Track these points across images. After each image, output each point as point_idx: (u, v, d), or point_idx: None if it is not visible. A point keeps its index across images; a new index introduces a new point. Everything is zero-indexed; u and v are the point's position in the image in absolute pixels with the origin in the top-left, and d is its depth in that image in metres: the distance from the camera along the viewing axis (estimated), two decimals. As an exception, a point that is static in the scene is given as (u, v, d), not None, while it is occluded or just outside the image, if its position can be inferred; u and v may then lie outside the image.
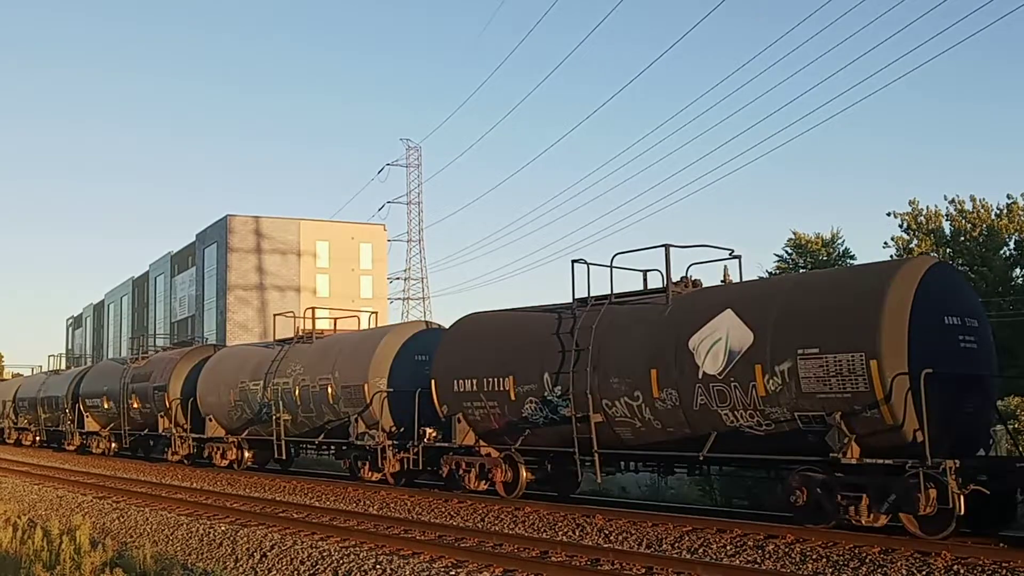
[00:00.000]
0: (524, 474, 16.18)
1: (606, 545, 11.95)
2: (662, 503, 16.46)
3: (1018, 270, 45.54)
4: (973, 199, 47.00)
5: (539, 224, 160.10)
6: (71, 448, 34.42)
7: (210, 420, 24.70)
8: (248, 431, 23.63)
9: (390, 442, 18.56)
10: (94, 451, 32.32)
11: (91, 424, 32.17)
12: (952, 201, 47.59)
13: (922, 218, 47.98)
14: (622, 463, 15.37)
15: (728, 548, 11.43)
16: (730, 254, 14.53)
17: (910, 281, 11.64)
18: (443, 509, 15.90)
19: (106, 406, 30.73)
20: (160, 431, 27.13)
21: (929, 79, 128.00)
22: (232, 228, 69.62)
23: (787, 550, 11.11)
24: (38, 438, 39.36)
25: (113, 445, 31.33)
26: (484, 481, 16.54)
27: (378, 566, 10.53)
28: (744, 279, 14.75)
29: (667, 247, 14.11)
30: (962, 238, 46.10)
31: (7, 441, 43.29)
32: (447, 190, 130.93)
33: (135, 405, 28.83)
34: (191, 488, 20.67)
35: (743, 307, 12.84)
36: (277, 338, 25.05)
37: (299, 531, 13.61)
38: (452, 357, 17.13)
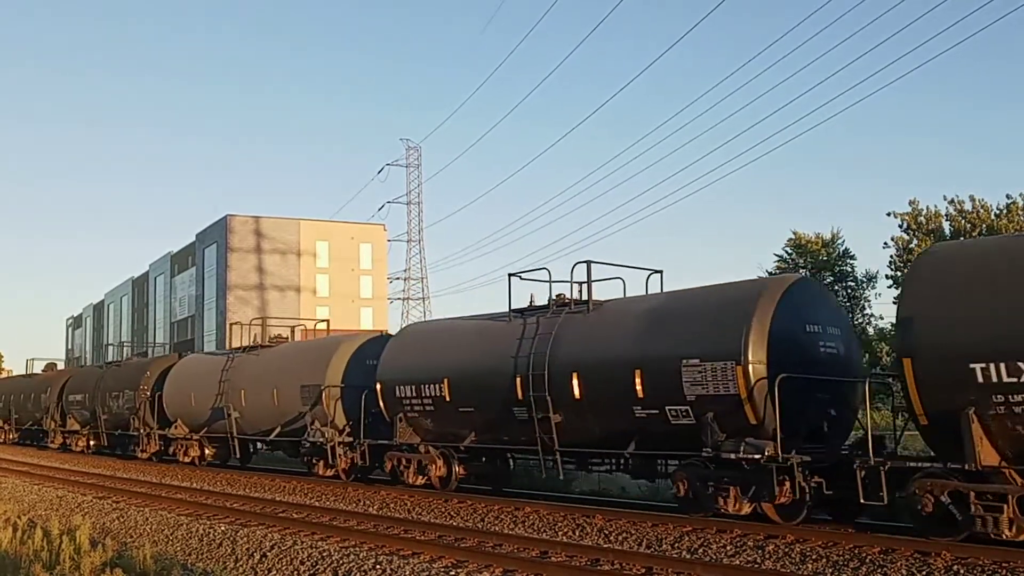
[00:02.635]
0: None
1: (606, 545, 11.95)
2: (662, 503, 16.43)
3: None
4: (973, 199, 47.10)
5: (539, 224, 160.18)
6: (416, 482, 17.72)
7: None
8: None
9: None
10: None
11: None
12: (952, 201, 47.68)
13: (922, 218, 48.05)
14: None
15: (728, 548, 11.43)
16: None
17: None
18: (443, 509, 15.90)
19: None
20: None
21: (929, 79, 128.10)
22: (232, 228, 69.63)
23: (787, 550, 11.11)
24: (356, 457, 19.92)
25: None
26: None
27: (378, 566, 10.53)
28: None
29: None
30: (962, 238, 46.12)
31: (322, 474, 20.48)
32: (447, 190, 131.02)
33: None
34: (191, 488, 20.68)
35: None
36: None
37: (299, 531, 13.61)
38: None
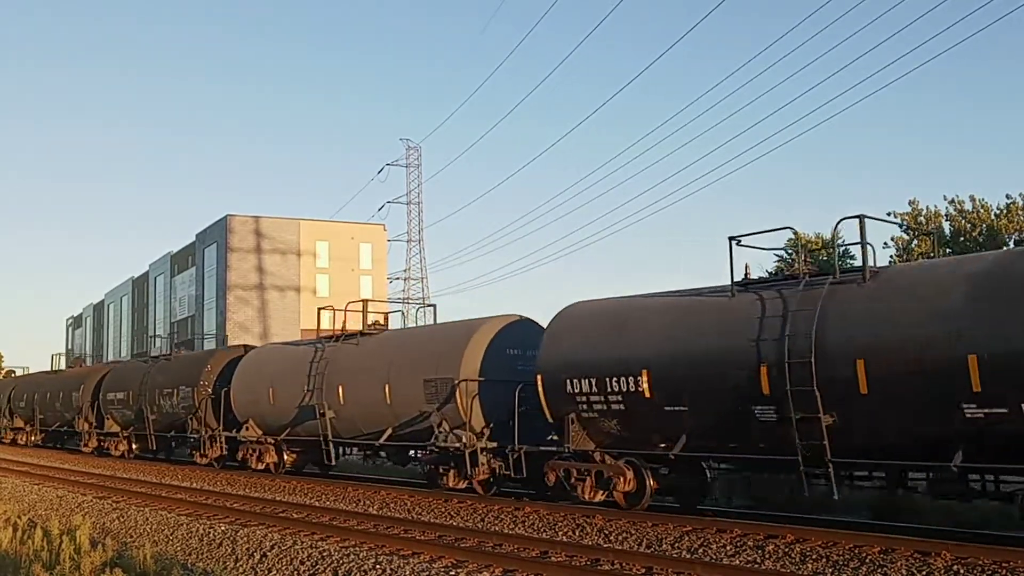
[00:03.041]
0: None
1: (606, 545, 11.96)
2: (662, 503, 16.42)
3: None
4: (973, 199, 47.05)
5: (538, 224, 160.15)
6: (594, 498, 16.27)
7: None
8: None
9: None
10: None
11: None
12: (952, 201, 47.65)
13: (922, 218, 48.03)
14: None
15: (728, 548, 11.43)
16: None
17: None
18: (443, 509, 15.90)
19: None
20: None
21: (929, 79, 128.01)
22: (232, 228, 69.63)
23: (787, 550, 11.11)
24: None
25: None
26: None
27: (378, 566, 10.53)
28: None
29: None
30: (962, 238, 46.14)
31: (452, 486, 18.08)
32: (447, 190, 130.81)
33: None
34: (191, 488, 20.68)
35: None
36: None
37: (299, 531, 13.62)
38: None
